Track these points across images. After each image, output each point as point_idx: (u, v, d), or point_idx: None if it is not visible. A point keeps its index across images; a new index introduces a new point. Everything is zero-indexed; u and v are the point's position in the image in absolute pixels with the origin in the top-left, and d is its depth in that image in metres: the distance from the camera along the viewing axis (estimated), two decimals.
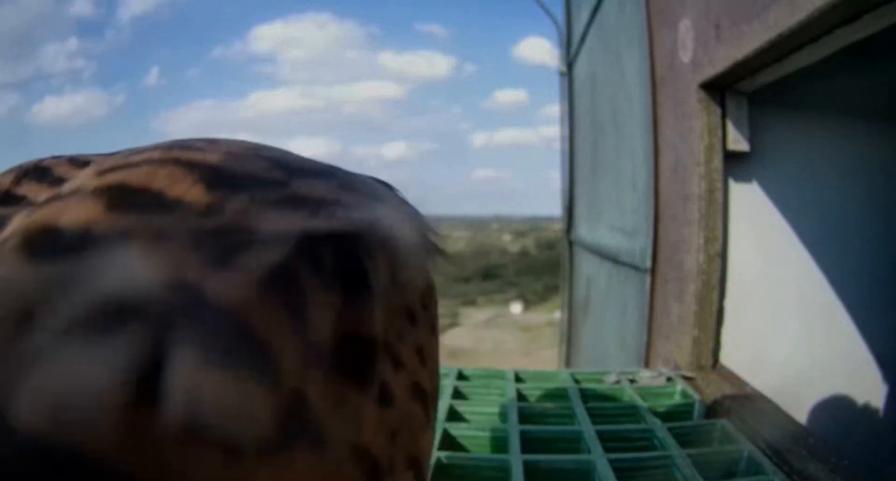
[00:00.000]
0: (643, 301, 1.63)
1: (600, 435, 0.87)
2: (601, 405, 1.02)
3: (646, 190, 1.63)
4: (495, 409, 1.00)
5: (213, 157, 0.25)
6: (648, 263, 1.59)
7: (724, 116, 1.21)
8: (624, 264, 2.01)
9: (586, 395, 1.05)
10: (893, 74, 1.14)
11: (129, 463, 0.17)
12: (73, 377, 0.17)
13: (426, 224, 0.30)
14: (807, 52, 0.94)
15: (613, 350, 2.22)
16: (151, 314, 0.18)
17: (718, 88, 1.21)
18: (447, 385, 1.08)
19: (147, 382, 0.17)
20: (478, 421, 0.96)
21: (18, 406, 0.16)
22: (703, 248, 1.22)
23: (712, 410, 1.02)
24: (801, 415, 1.11)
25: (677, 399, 1.08)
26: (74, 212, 0.21)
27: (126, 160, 0.25)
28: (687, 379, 1.15)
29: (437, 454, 0.81)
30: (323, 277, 0.23)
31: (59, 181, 0.25)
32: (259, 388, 0.19)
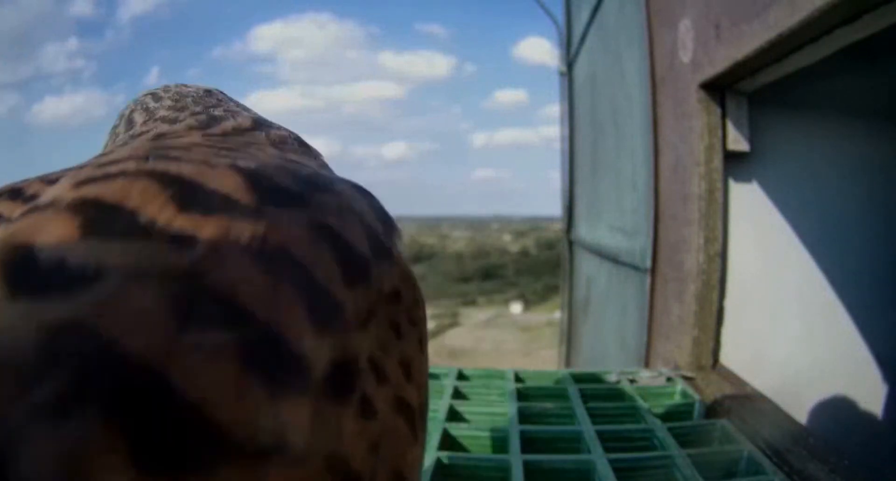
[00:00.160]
0: (643, 301, 1.62)
1: (600, 435, 0.87)
2: (601, 405, 1.02)
3: (646, 190, 1.63)
4: (495, 409, 1.00)
5: (187, 169, 0.25)
6: (648, 263, 1.59)
7: (724, 116, 1.21)
8: (624, 264, 2.01)
9: (586, 395, 1.05)
10: (893, 74, 1.14)
11: None
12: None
13: (395, 232, 0.30)
14: (807, 52, 0.94)
15: (613, 350, 2.22)
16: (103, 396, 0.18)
17: (718, 88, 1.21)
18: (447, 385, 1.08)
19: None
20: (478, 421, 0.96)
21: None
22: (703, 248, 1.21)
23: (712, 410, 1.02)
24: (801, 415, 1.11)
25: (677, 399, 1.08)
26: (50, 231, 0.21)
27: (103, 171, 0.25)
28: (687, 379, 1.15)
29: (437, 454, 0.81)
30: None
31: (33, 198, 0.25)
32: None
